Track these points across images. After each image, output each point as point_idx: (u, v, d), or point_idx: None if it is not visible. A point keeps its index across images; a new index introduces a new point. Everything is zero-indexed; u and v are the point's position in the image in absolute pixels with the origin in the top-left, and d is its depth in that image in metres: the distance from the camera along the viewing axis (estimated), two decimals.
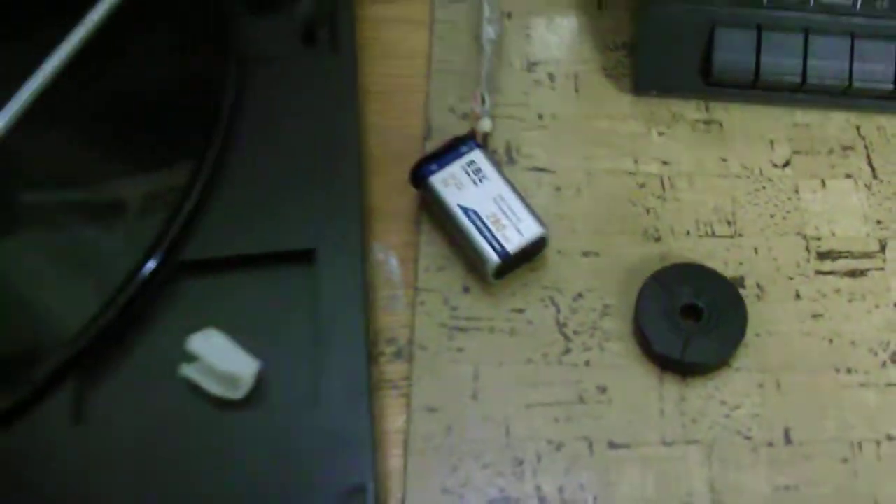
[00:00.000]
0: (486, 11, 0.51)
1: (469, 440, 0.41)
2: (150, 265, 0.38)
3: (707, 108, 0.50)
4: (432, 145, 0.47)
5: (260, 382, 0.37)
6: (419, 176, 0.45)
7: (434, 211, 0.45)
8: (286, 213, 0.41)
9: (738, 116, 0.49)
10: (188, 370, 0.37)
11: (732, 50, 0.47)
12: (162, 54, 0.46)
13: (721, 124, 0.49)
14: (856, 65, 0.47)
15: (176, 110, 0.43)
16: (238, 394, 0.36)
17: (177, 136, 0.42)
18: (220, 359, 0.36)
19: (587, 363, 0.42)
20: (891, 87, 0.48)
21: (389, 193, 0.46)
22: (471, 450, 0.40)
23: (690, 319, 0.43)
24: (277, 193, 0.42)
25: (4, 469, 0.36)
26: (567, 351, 0.43)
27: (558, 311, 0.44)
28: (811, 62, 0.47)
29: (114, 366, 0.38)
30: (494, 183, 0.44)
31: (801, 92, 0.49)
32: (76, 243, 0.40)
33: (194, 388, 0.37)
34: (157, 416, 0.37)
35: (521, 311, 0.44)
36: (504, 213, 0.44)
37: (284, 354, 0.38)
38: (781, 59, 0.47)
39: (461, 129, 0.48)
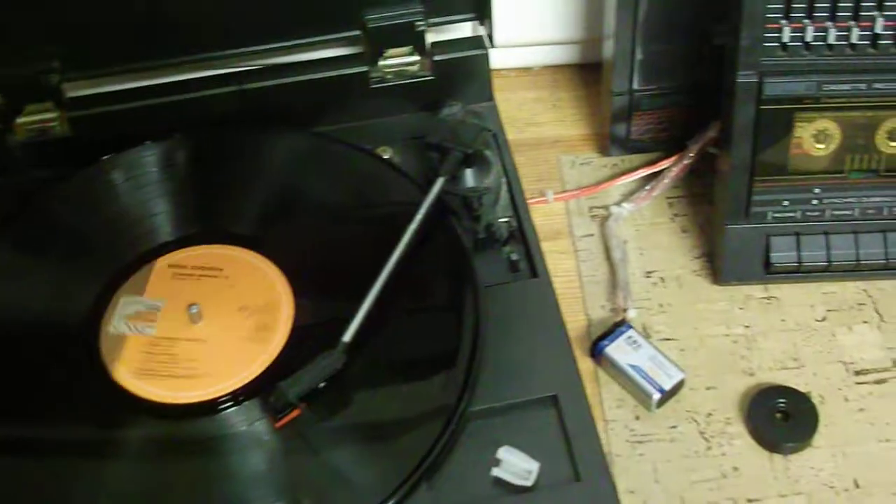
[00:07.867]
0: (613, 241, 0.79)
1: None
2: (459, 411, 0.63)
3: (767, 289, 0.76)
4: (594, 331, 0.74)
5: (539, 477, 0.61)
6: (597, 349, 0.71)
7: (608, 370, 0.71)
8: (531, 376, 0.66)
9: (787, 292, 0.76)
10: (496, 470, 0.61)
11: (782, 251, 0.75)
12: (421, 278, 0.71)
13: (778, 298, 0.76)
14: (861, 251, 0.74)
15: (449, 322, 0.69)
16: (528, 482, 0.61)
17: (451, 342, 0.68)
18: (518, 460, 0.61)
19: (723, 454, 0.67)
20: (884, 261, 0.75)
21: None
22: None
23: (783, 419, 0.68)
24: (520, 367, 0.67)
25: None
26: (708, 448, 0.68)
27: (698, 424, 0.69)
28: (832, 252, 0.75)
29: (447, 469, 0.62)
30: (646, 349, 0.71)
31: (828, 272, 0.76)
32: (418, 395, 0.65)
33: (498, 481, 0.61)
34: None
35: (674, 426, 0.69)
36: (657, 366, 0.70)
37: (545, 462, 0.62)
38: (813, 252, 0.74)
39: (612, 319, 0.74)
